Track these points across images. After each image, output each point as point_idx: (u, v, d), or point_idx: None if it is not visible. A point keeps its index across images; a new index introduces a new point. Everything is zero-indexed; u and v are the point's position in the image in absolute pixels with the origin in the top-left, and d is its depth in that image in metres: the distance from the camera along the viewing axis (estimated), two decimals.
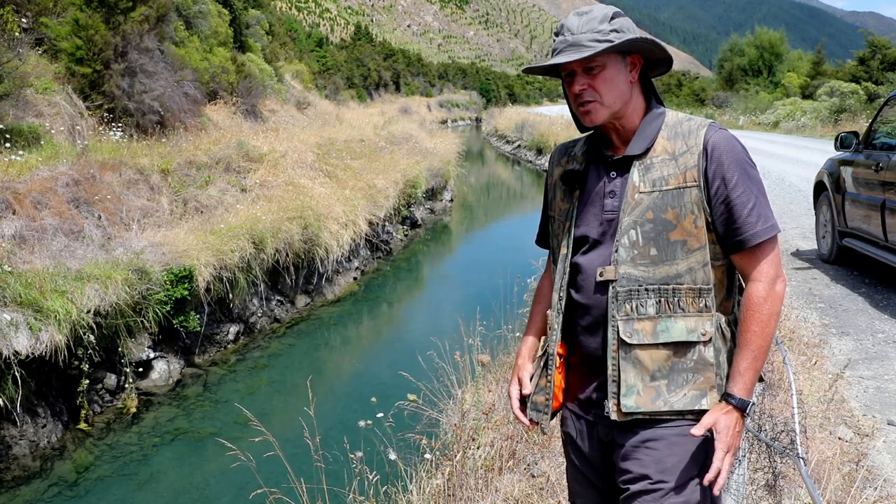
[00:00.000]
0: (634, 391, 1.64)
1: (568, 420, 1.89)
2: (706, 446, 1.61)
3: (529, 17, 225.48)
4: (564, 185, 1.81)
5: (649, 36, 1.69)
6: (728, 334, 1.66)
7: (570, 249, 1.75)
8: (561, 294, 1.77)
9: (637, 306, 1.64)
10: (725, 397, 1.60)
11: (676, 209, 1.62)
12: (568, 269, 1.76)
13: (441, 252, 15.11)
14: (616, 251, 1.66)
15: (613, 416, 1.67)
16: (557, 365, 1.79)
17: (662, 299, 1.63)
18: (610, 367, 1.67)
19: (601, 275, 1.68)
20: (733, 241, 1.61)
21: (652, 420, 1.64)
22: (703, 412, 1.61)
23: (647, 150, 1.68)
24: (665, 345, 1.62)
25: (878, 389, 4.06)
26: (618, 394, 1.65)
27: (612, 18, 1.66)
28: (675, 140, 1.66)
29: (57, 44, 10.38)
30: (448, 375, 4.66)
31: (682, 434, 1.62)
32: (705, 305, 1.62)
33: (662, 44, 1.71)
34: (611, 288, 1.66)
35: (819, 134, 21.82)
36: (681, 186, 1.62)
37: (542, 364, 1.86)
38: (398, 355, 8.27)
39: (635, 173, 1.66)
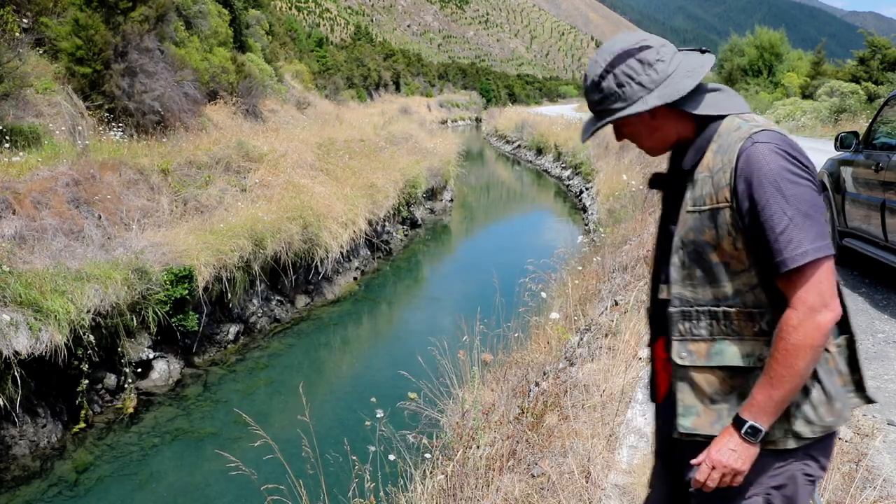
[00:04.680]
0: (693, 412, 1.60)
1: (658, 409, 1.87)
2: (759, 466, 1.56)
3: (529, 17, 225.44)
4: (650, 187, 1.78)
5: (647, 76, 1.56)
6: None
7: (658, 254, 1.75)
8: (647, 295, 1.78)
9: (691, 328, 1.59)
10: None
11: (713, 231, 1.53)
12: (651, 276, 1.76)
13: (441, 252, 15.10)
14: (669, 270, 1.63)
15: (675, 434, 1.65)
16: (655, 359, 1.78)
17: (714, 321, 1.56)
18: (674, 384, 1.65)
19: (661, 292, 1.67)
20: (768, 265, 1.48)
21: (710, 439, 1.59)
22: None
23: (696, 165, 1.59)
24: (721, 368, 1.56)
25: (878, 389, 4.06)
26: (676, 413, 1.64)
27: (601, 81, 1.58)
28: (718, 155, 1.55)
29: (57, 44, 10.37)
30: (448, 375, 4.66)
31: None
32: (761, 330, 1.52)
33: (661, 85, 1.56)
34: (669, 306, 1.64)
35: (819, 134, 21.80)
36: (715, 207, 1.53)
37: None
38: (398, 355, 8.27)
39: (687, 190, 1.59)
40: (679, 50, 1.65)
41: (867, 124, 6.97)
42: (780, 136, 1.51)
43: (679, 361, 1.61)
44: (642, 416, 3.41)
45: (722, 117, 1.59)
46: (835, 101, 19.98)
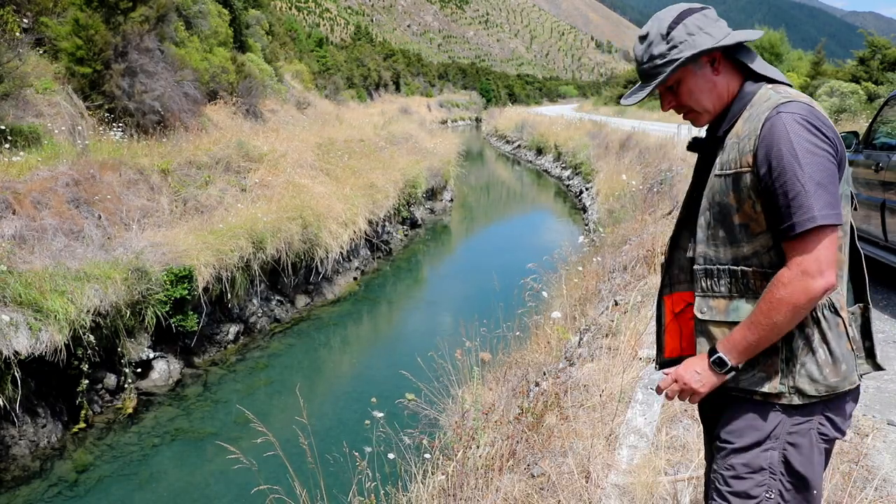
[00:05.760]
0: None
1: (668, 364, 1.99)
2: (770, 415, 1.63)
3: (529, 17, 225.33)
4: (688, 149, 1.86)
5: (715, 29, 1.66)
6: (802, 321, 1.61)
7: (684, 215, 1.84)
8: (666, 250, 1.89)
9: (712, 285, 1.70)
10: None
11: (736, 193, 1.61)
12: (672, 233, 1.87)
13: (441, 252, 15.10)
14: (695, 230, 1.74)
15: None
16: (662, 314, 1.89)
17: (733, 280, 1.65)
18: (696, 337, 1.76)
19: (686, 251, 1.78)
20: (777, 230, 1.56)
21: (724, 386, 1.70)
22: (765, 395, 1.63)
23: (727, 132, 1.68)
24: (736, 324, 1.64)
25: (878, 389, 4.06)
26: None
27: (670, 31, 1.66)
28: (747, 122, 1.63)
29: (57, 44, 10.37)
30: (448, 375, 4.66)
31: (745, 400, 1.67)
32: None
33: (730, 33, 1.66)
34: (694, 265, 1.75)
35: None
36: (739, 171, 1.60)
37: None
38: (398, 355, 8.27)
39: (718, 155, 1.69)
40: None
41: (867, 124, 6.96)
42: (806, 107, 1.56)
43: (700, 315, 1.72)
44: (642, 416, 3.41)
45: (765, 80, 1.68)
46: (835, 101, 19.98)
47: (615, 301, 5.92)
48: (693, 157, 2.02)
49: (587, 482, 2.99)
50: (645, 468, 2.92)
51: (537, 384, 4.79)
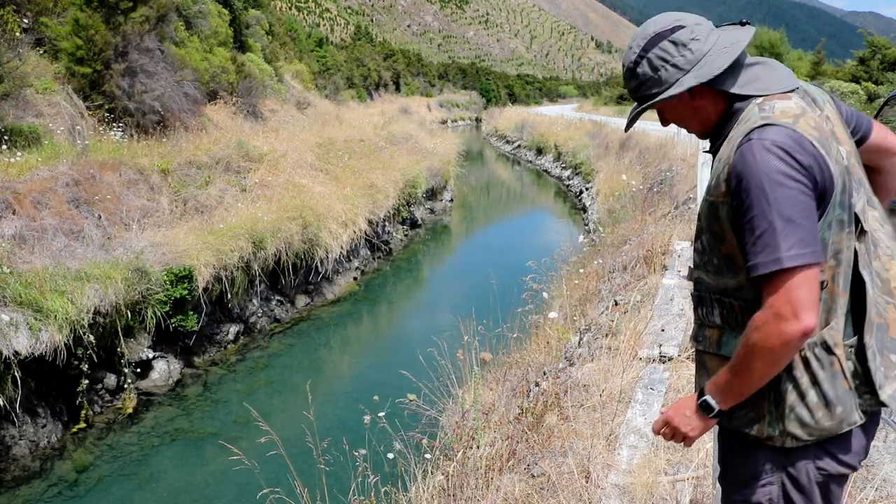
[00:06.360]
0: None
1: None
2: (765, 451, 1.54)
3: (529, 17, 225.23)
4: (710, 153, 1.73)
5: (682, 58, 1.52)
6: (790, 363, 1.46)
7: None
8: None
9: (706, 313, 1.60)
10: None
11: (717, 222, 1.50)
12: None
13: (441, 252, 15.11)
14: (693, 253, 1.63)
15: None
16: None
17: (724, 310, 1.55)
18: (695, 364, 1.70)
19: (688, 275, 1.71)
20: (746, 267, 1.42)
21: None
22: (754, 438, 1.53)
23: (717, 150, 1.57)
24: (728, 358, 1.51)
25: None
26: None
27: (636, 67, 1.58)
28: (727, 145, 1.49)
29: (57, 44, 10.37)
30: (448, 375, 4.66)
31: (737, 435, 1.59)
32: None
33: (697, 66, 1.51)
34: (692, 289, 1.66)
35: None
36: (718, 200, 1.48)
37: None
38: (398, 355, 8.27)
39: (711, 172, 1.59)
40: (718, 26, 1.61)
41: None
42: (782, 131, 1.40)
43: (694, 344, 1.64)
44: (642, 416, 3.41)
45: (753, 98, 1.52)
46: None
47: (615, 301, 5.92)
48: (693, 158, 1.97)
49: (587, 482, 2.99)
50: (645, 468, 2.92)
51: (537, 384, 4.79)
